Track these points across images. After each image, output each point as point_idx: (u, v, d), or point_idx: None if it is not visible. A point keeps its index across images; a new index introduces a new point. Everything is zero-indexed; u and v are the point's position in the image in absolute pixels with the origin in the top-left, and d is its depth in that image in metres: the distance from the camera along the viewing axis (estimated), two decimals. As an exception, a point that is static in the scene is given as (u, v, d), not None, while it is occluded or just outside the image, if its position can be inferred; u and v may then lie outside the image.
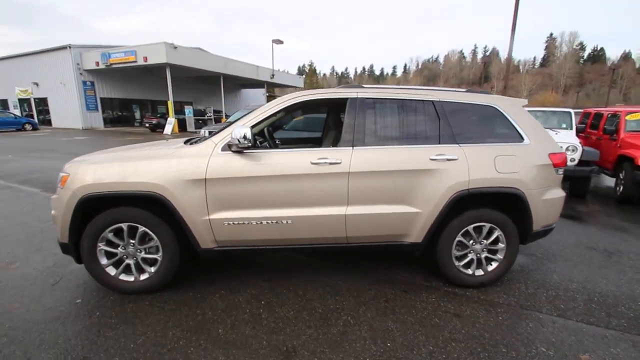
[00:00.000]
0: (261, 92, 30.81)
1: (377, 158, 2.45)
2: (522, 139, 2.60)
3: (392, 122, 2.56)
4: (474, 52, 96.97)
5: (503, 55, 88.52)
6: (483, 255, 2.63)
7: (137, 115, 25.92)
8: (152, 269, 2.42)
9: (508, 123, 2.62)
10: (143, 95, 25.50)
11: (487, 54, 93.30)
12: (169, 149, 2.44)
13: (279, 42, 24.78)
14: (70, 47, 20.56)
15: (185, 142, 2.73)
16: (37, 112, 24.68)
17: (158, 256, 2.39)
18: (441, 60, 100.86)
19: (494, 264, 2.66)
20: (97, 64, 20.41)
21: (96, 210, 2.31)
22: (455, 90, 2.72)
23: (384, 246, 2.59)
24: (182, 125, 20.17)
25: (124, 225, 2.32)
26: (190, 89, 27.04)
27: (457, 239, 2.57)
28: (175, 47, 18.57)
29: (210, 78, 24.46)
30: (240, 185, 2.34)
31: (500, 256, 2.63)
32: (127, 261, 2.41)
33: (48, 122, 24.11)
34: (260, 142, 3.20)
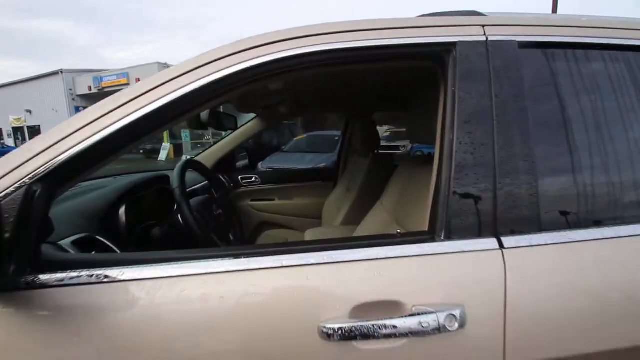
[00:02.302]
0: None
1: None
2: None
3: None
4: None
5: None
6: None
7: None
8: None
9: None
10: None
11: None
12: None
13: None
14: (62, 72, 19.60)
15: None
16: (31, 141, 23.56)
17: None
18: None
19: None
20: (90, 88, 19.35)
21: None
22: None
23: None
24: (179, 150, 18.69)
25: None
26: (190, 112, 25.82)
27: None
28: (169, 67, 17.31)
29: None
30: None
31: None
32: None
33: (41, 151, 22.93)
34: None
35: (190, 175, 1.44)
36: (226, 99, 0.71)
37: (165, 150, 17.55)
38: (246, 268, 0.56)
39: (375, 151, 1.85)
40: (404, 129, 10.65)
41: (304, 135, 7.65)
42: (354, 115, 2.19)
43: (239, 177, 2.27)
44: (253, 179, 2.31)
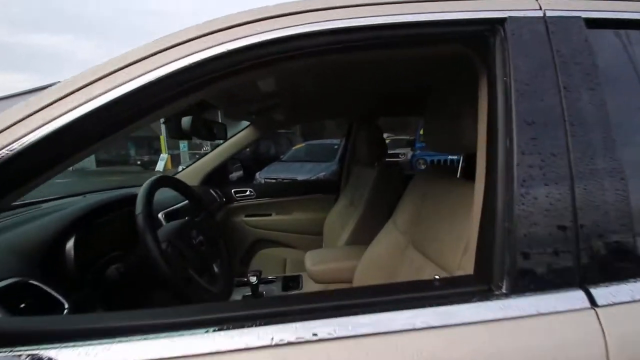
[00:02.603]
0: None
1: None
2: None
3: None
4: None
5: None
6: None
7: (133, 152, 24.59)
8: None
9: None
10: (137, 132, 24.31)
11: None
12: None
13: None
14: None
15: None
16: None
17: None
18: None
19: None
20: (87, 100, 19.27)
21: None
22: None
23: None
24: (177, 160, 18.52)
25: None
26: (188, 123, 25.79)
27: None
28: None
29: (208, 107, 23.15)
30: None
31: None
32: None
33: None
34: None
35: (171, 194, 1.25)
36: (197, 97, 0.52)
37: (162, 161, 17.36)
38: (213, 350, 0.37)
39: (382, 160, 1.67)
40: (405, 137, 10.53)
41: (303, 144, 7.52)
42: (358, 120, 2.01)
43: (232, 191, 2.09)
44: (248, 193, 2.11)
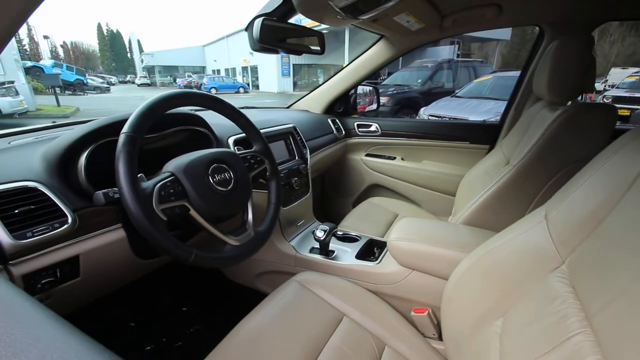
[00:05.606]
0: (448, 50, 24.57)
1: None
2: None
3: None
4: None
5: None
6: None
7: (321, 79, 27.40)
8: None
9: None
10: (328, 61, 26.34)
11: None
12: None
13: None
14: (272, 16, 23.05)
15: None
16: (253, 78, 30.08)
17: None
18: None
19: None
20: (290, 31, 22.02)
21: None
22: None
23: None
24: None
25: None
26: (372, 51, 25.80)
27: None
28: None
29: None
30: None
31: None
32: None
33: (258, 87, 29.03)
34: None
35: (257, 118, 1.10)
36: None
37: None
38: None
39: (579, 98, 0.95)
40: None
41: (490, 76, 6.02)
42: (557, 26, 1.21)
43: (355, 124, 1.80)
44: (372, 128, 1.78)
